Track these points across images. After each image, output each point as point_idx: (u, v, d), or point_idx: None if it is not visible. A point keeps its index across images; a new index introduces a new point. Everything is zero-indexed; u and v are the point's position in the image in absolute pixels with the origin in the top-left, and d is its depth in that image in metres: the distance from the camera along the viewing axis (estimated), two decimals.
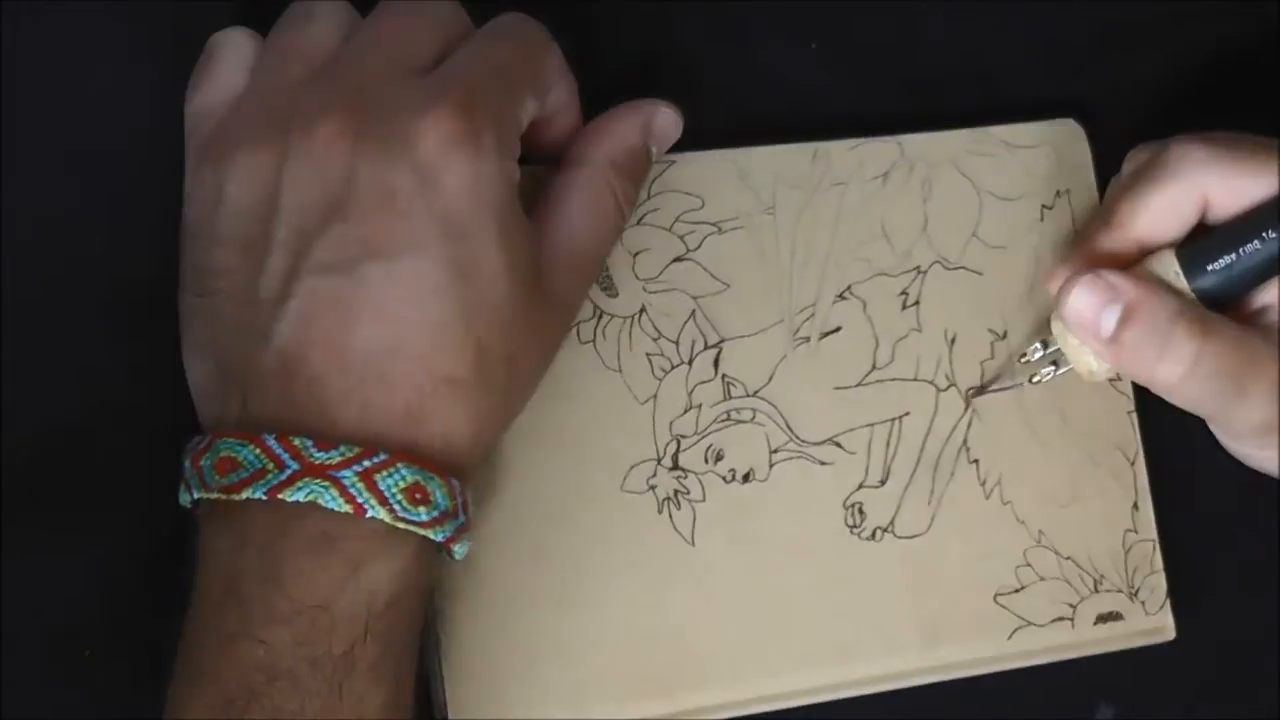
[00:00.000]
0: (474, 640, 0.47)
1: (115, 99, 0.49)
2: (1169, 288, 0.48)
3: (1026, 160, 0.53)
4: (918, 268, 0.52)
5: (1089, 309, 0.48)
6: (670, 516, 0.49)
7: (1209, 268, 0.48)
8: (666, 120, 0.49)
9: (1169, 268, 0.49)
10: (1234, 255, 0.48)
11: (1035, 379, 0.52)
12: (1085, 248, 0.50)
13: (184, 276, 0.44)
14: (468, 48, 0.45)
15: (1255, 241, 0.48)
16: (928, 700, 0.51)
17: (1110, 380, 0.52)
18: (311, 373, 0.42)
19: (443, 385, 0.42)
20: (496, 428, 0.45)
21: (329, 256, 0.42)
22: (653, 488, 0.49)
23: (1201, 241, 0.49)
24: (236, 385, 0.42)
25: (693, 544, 0.49)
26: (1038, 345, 0.51)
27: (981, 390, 0.52)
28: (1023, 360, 0.52)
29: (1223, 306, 0.49)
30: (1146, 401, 0.53)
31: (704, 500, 0.49)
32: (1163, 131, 0.52)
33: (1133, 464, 0.53)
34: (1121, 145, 0.53)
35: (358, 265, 0.42)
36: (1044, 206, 0.53)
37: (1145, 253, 0.50)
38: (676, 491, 0.49)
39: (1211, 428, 0.52)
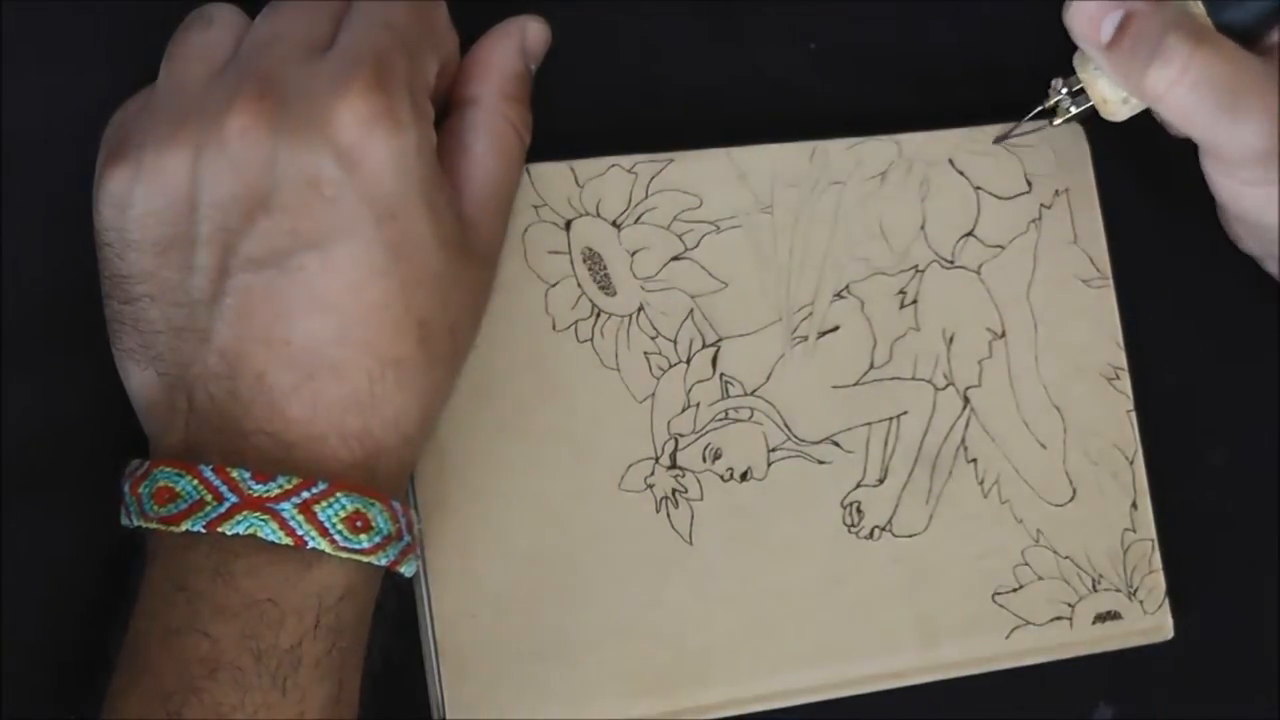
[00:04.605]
0: (471, 640, 0.47)
1: (118, 98, 0.49)
2: (1184, 9, 0.49)
3: (1025, 159, 0.53)
4: (916, 267, 0.52)
5: (1093, 12, 0.49)
6: (668, 515, 0.49)
7: None
8: (538, 35, 0.48)
9: (1193, 2, 0.49)
10: None
11: (1057, 121, 0.52)
12: None
13: (104, 285, 0.44)
14: (363, 15, 0.44)
15: None
16: (926, 700, 0.51)
17: (1132, 115, 0.51)
18: (256, 369, 0.41)
19: (390, 368, 0.42)
20: (444, 400, 0.45)
21: (259, 251, 0.41)
22: (650, 486, 0.49)
23: None
24: (180, 389, 0.42)
25: (691, 543, 0.49)
26: (1058, 82, 0.52)
27: (1007, 135, 0.52)
28: (1047, 104, 0.52)
29: (1250, 45, 0.49)
30: (1146, 401, 0.53)
31: (702, 499, 0.49)
32: (1162, 130, 0.52)
33: (1131, 463, 0.53)
34: (1121, 145, 0.53)
35: (290, 257, 0.41)
36: (1043, 206, 0.53)
37: None
38: (674, 490, 0.49)
39: (1205, 164, 0.51)
